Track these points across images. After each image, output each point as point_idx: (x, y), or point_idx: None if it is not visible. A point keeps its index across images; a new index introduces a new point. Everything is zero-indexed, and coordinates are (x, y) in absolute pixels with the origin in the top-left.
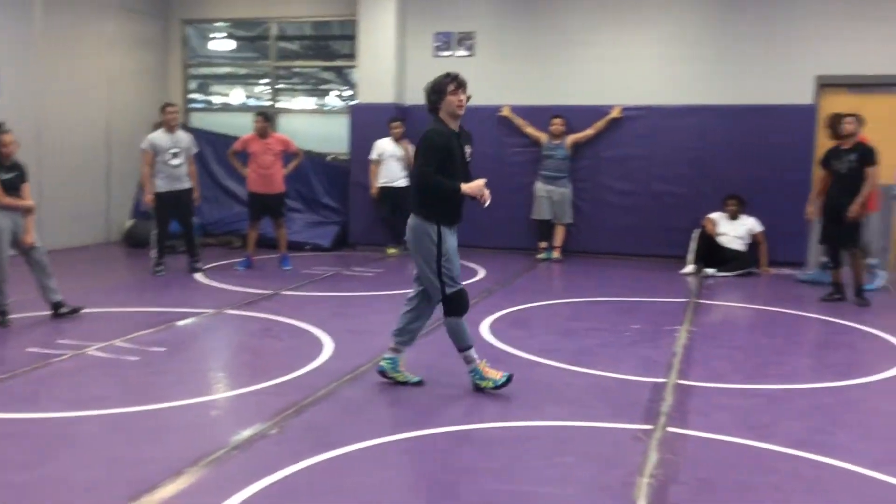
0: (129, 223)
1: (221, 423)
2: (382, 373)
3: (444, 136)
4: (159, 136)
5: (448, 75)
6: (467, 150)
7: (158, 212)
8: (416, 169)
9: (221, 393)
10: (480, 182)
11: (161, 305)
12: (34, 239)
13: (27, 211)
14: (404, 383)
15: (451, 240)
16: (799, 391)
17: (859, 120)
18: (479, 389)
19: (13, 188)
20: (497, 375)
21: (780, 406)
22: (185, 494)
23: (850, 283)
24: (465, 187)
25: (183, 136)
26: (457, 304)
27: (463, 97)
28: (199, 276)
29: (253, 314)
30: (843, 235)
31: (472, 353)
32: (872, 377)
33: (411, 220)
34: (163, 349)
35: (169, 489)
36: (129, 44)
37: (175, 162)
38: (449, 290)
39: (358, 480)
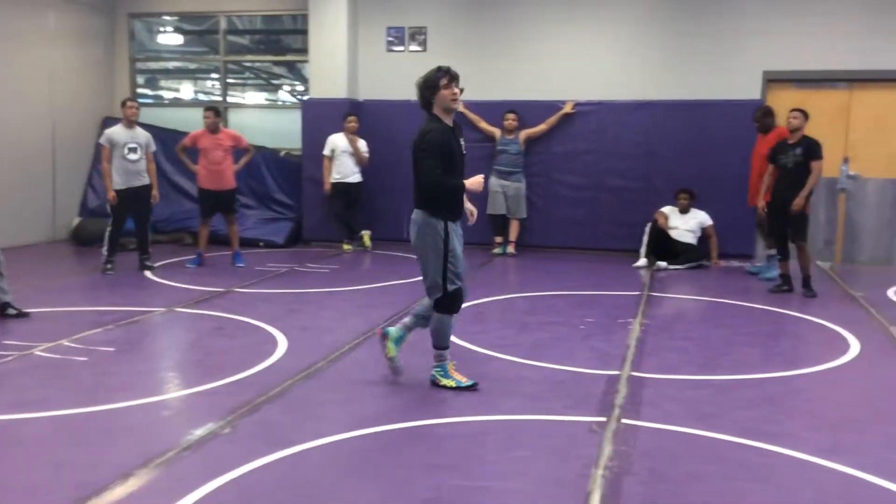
0: (76, 221)
1: (172, 423)
2: (385, 336)
3: (443, 133)
4: (117, 131)
5: (440, 69)
6: (462, 143)
7: (115, 209)
8: (421, 170)
9: (172, 393)
10: (479, 178)
11: (110, 304)
12: None
13: None
14: (390, 360)
15: (456, 236)
16: (748, 381)
17: (804, 115)
18: (435, 385)
19: None
20: (463, 379)
21: (730, 396)
22: (134, 497)
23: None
24: (468, 184)
25: (141, 133)
26: (452, 302)
27: (457, 90)
28: (149, 274)
29: (205, 312)
30: (791, 228)
31: (447, 353)
32: (819, 367)
33: (416, 216)
34: (112, 349)
35: (118, 491)
36: (73, 37)
37: (133, 157)
38: (451, 287)
39: (312, 478)
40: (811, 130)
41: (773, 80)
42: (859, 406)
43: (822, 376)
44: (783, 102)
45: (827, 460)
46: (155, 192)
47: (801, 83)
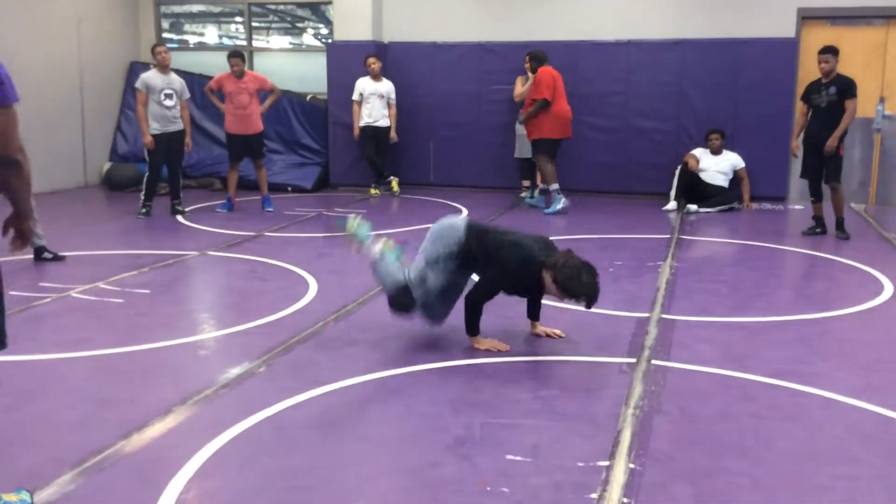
0: (107, 166)
1: (209, 362)
2: None
3: None
4: (153, 76)
5: None
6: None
7: (151, 153)
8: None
9: (207, 333)
10: None
11: (144, 248)
12: None
13: None
14: None
15: None
16: (779, 323)
17: (834, 54)
18: None
19: None
20: None
21: (761, 338)
22: (175, 432)
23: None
24: None
25: (176, 79)
26: None
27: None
28: (181, 219)
29: (237, 255)
30: (825, 169)
31: None
32: (851, 308)
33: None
34: (147, 291)
35: (159, 427)
36: None
37: (168, 103)
38: None
39: (345, 416)
40: (845, 69)
41: (807, 17)
42: (891, 347)
43: (855, 318)
44: (818, 40)
45: (858, 400)
46: (188, 139)
47: (835, 20)
